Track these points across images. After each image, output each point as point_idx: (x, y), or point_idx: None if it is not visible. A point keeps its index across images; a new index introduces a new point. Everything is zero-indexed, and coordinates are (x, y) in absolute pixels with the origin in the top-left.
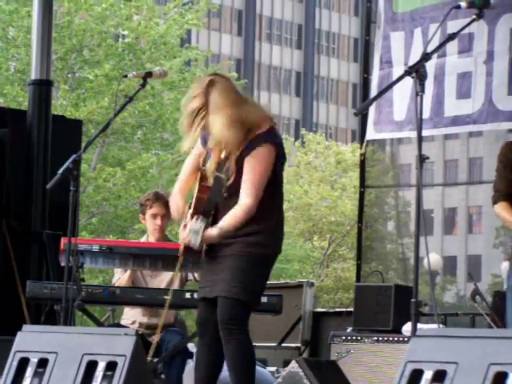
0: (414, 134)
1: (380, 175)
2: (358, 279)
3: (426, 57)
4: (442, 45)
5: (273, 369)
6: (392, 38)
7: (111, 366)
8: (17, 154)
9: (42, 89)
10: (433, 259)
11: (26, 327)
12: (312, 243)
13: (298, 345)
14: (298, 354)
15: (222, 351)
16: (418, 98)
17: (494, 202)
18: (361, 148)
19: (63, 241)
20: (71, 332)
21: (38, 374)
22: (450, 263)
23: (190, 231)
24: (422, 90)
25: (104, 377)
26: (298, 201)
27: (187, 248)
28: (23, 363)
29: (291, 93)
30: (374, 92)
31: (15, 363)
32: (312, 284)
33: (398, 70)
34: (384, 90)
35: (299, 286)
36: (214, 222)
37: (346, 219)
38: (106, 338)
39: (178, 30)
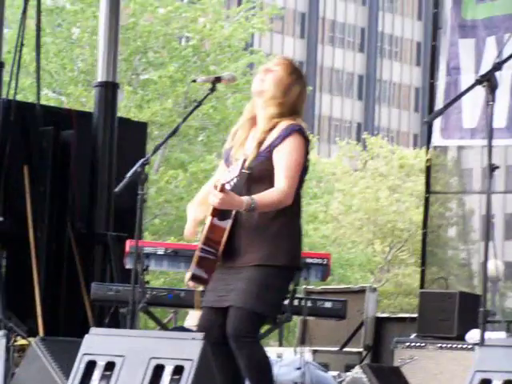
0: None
1: (444, 181)
2: (422, 285)
3: (497, 66)
4: None
5: (335, 373)
6: (461, 44)
7: (178, 370)
8: (82, 155)
9: (108, 91)
10: (496, 265)
11: (93, 330)
12: (373, 248)
13: (360, 350)
14: (360, 358)
15: (230, 351)
16: (489, 107)
17: None
18: (427, 153)
19: (128, 243)
20: (138, 336)
21: (106, 377)
22: (510, 269)
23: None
24: (493, 100)
25: (171, 381)
26: (366, 205)
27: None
28: (90, 366)
29: (353, 96)
30: (440, 98)
31: (82, 366)
32: (374, 289)
33: (466, 78)
34: (456, 99)
35: (361, 291)
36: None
37: (411, 225)
38: (173, 342)
39: (243, 34)
